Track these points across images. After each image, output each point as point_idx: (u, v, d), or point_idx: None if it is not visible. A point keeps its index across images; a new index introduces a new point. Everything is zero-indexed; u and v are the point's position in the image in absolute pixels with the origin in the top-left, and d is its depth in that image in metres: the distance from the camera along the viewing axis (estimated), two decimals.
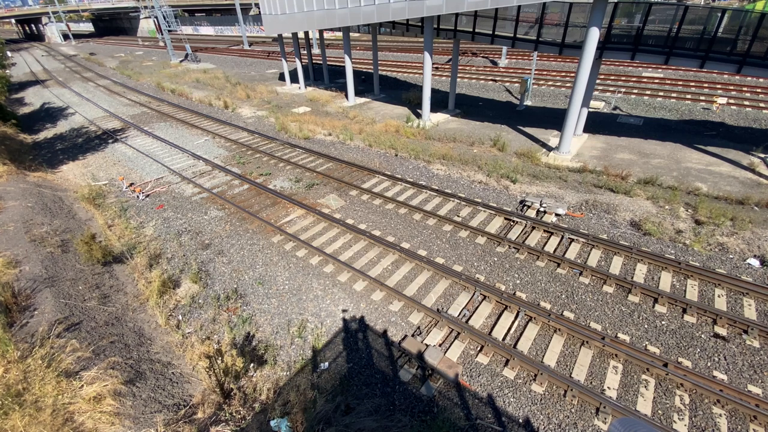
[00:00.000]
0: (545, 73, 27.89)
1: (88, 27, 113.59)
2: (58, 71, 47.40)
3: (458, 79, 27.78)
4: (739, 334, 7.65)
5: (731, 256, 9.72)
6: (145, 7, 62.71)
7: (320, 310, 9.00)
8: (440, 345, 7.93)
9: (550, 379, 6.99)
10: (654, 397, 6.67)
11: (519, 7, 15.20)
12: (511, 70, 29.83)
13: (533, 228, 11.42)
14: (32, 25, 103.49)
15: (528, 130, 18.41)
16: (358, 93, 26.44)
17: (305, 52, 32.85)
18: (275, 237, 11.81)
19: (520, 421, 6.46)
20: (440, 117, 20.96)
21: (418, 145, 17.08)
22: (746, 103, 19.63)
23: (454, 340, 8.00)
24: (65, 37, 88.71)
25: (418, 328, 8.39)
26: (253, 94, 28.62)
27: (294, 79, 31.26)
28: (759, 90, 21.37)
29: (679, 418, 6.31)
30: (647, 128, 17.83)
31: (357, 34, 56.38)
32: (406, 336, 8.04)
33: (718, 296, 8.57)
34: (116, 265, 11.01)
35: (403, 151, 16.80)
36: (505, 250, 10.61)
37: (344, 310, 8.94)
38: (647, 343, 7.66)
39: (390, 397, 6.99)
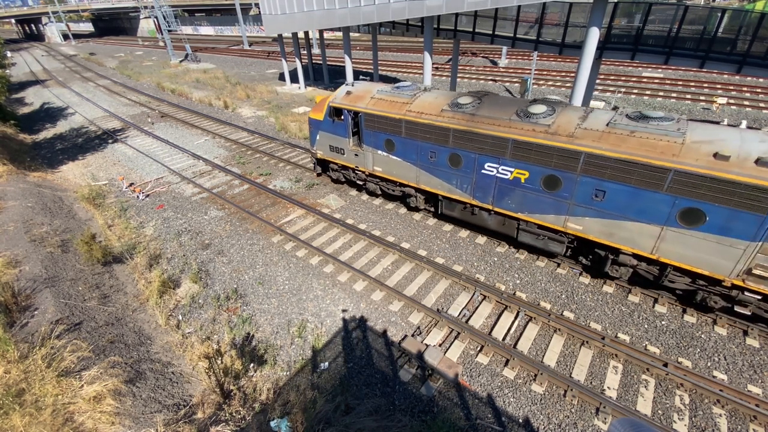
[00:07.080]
0: (545, 73, 27.89)
1: (88, 27, 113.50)
2: (58, 71, 47.40)
3: (458, 79, 27.77)
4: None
5: None
6: (145, 7, 62.69)
7: (320, 310, 9.01)
8: (440, 345, 7.93)
9: (550, 379, 6.99)
10: (654, 397, 6.67)
11: (519, 7, 15.21)
12: (511, 70, 29.84)
13: None
14: (32, 25, 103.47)
15: None
16: None
17: (305, 52, 32.86)
18: (275, 237, 11.81)
19: (520, 421, 6.46)
20: None
21: None
22: (746, 103, 19.63)
23: (454, 340, 8.00)
24: (65, 37, 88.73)
25: (418, 328, 8.39)
26: (253, 94, 28.62)
27: (294, 79, 31.26)
28: (759, 90, 21.39)
29: (679, 418, 6.31)
30: None
31: (357, 34, 56.40)
32: (406, 336, 8.05)
33: None
34: (116, 265, 11.01)
35: None
36: (505, 250, 10.61)
37: (344, 310, 8.94)
38: (647, 343, 7.66)
39: (390, 397, 6.99)
